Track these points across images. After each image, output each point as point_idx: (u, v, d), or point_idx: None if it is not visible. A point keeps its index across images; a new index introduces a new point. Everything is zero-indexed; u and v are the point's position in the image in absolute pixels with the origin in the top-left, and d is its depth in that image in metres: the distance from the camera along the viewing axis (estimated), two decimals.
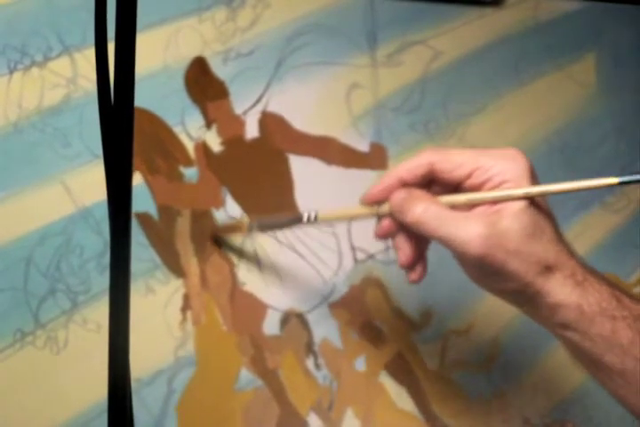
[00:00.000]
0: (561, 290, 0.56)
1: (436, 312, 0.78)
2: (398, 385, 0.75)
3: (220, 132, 0.70)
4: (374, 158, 0.79)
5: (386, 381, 0.75)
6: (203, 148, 0.69)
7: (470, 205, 0.58)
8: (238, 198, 0.70)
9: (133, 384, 0.61)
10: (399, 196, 0.59)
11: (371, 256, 0.76)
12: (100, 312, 0.62)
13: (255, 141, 0.72)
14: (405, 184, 0.60)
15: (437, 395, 0.77)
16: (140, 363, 0.63)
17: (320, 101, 0.77)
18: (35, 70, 0.62)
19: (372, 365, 0.74)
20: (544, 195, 0.57)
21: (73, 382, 0.61)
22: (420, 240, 0.61)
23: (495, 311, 0.80)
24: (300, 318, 0.72)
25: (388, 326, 0.76)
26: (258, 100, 0.73)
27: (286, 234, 0.72)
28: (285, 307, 0.71)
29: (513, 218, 0.56)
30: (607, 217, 0.95)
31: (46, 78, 0.62)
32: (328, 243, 0.74)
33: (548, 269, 0.56)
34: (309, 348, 0.71)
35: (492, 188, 0.57)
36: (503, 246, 0.56)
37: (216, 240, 0.68)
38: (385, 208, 0.61)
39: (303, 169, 0.74)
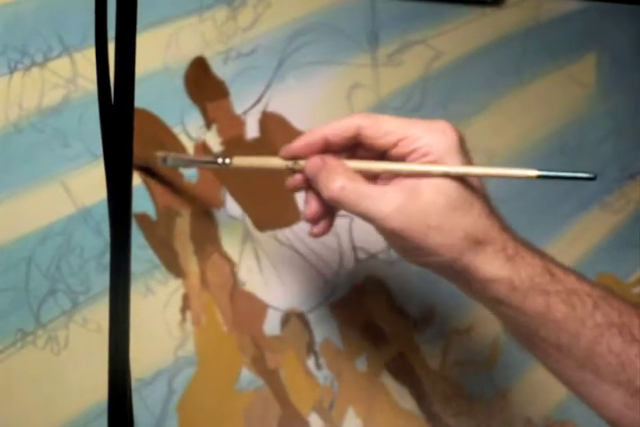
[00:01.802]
0: (491, 265, 0.56)
1: (437, 312, 0.78)
2: (400, 385, 0.75)
3: (219, 133, 0.70)
4: None
5: (387, 380, 0.75)
6: (202, 148, 0.69)
7: (391, 176, 0.57)
8: (238, 199, 0.70)
9: (134, 384, 0.61)
10: (314, 163, 0.58)
11: (372, 256, 0.76)
12: (100, 312, 0.62)
13: (255, 141, 0.72)
14: (329, 144, 0.59)
15: (439, 395, 0.77)
16: (140, 363, 0.63)
17: (321, 101, 0.77)
18: (35, 70, 0.62)
19: (374, 364, 0.74)
20: (462, 176, 0.56)
21: (73, 381, 0.61)
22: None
23: None
24: (301, 317, 0.72)
25: (390, 326, 0.76)
26: (258, 100, 0.73)
27: (287, 234, 0.72)
28: (286, 307, 0.71)
29: (435, 192, 0.55)
30: (607, 217, 0.95)
31: (46, 78, 0.62)
32: (329, 242, 0.74)
33: (476, 243, 0.55)
34: (310, 348, 0.71)
35: (416, 159, 0.56)
36: (423, 220, 0.55)
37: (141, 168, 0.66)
38: (300, 165, 0.59)
39: None
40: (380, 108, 0.81)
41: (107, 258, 0.62)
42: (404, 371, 0.76)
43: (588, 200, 0.93)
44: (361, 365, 0.74)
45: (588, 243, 0.91)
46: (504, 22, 0.91)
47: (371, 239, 0.75)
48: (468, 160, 0.58)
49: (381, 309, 0.76)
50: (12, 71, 0.61)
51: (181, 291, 0.66)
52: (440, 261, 0.56)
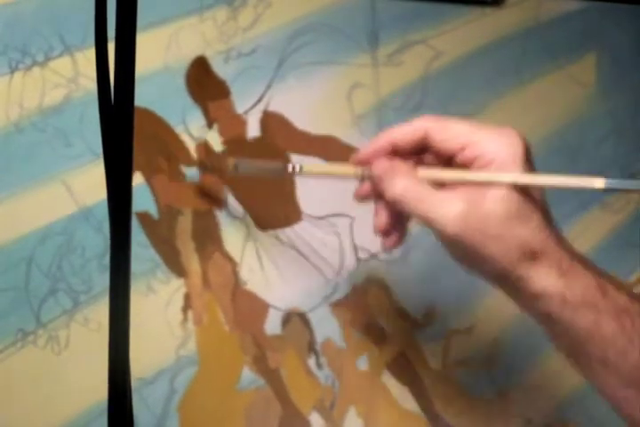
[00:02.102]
0: (545, 278, 0.56)
1: (438, 312, 0.78)
2: (401, 384, 0.75)
3: (221, 132, 0.70)
4: None
5: (388, 380, 0.75)
6: (204, 147, 0.69)
7: (456, 184, 0.57)
8: (240, 198, 0.70)
9: (135, 383, 0.61)
10: (381, 166, 0.58)
11: (373, 255, 0.76)
12: (101, 312, 0.62)
13: (256, 141, 0.72)
14: (398, 148, 0.59)
15: (440, 394, 0.77)
16: (141, 363, 0.62)
17: (321, 101, 0.77)
18: (36, 70, 0.62)
19: (375, 364, 0.74)
20: (531, 185, 0.56)
21: (74, 381, 0.61)
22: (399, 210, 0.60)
23: (498, 311, 0.80)
24: (302, 317, 0.72)
25: (391, 326, 0.76)
26: (259, 100, 0.73)
27: (288, 233, 0.72)
28: (287, 306, 0.71)
29: (497, 201, 0.55)
30: (607, 217, 0.95)
31: (47, 78, 0.62)
32: (330, 242, 0.74)
33: (532, 255, 0.55)
34: (311, 347, 0.71)
35: (483, 165, 0.56)
36: (482, 229, 0.55)
37: (203, 168, 0.67)
38: (370, 172, 0.59)
39: None
40: (381, 107, 0.80)
41: (108, 257, 0.62)
42: (405, 371, 0.76)
43: (589, 200, 0.93)
44: (362, 364, 0.74)
45: (588, 243, 0.91)
46: (504, 22, 0.90)
47: (371, 239, 0.75)
48: (531, 170, 0.57)
49: (382, 308, 0.76)
50: (12, 71, 0.61)
51: (183, 290, 0.66)
52: (494, 271, 0.56)
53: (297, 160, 0.73)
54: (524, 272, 0.55)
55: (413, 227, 0.76)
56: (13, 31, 0.61)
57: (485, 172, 0.56)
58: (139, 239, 0.64)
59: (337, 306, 0.74)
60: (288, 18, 0.76)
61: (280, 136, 0.73)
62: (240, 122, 0.71)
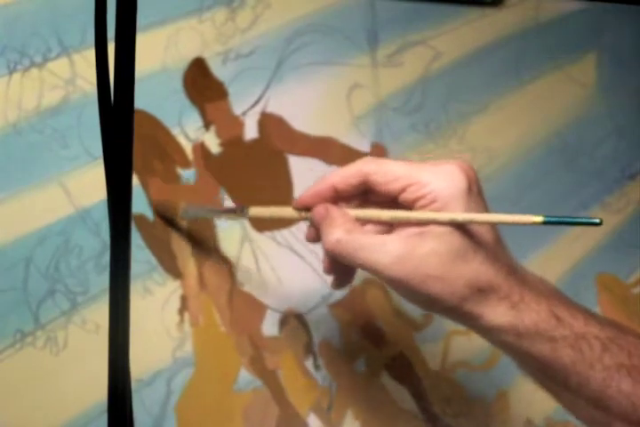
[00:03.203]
0: (494, 313, 0.55)
1: None
2: (399, 386, 0.75)
3: (218, 133, 0.70)
4: None
5: (386, 381, 0.75)
6: (201, 149, 0.69)
7: (396, 223, 0.56)
8: (236, 200, 0.70)
9: (132, 385, 0.61)
10: (318, 213, 0.57)
11: None
12: (98, 313, 0.62)
13: (254, 142, 0.72)
14: (339, 192, 0.58)
15: (438, 395, 0.77)
16: (138, 364, 0.62)
17: (320, 102, 0.77)
18: (34, 71, 0.62)
19: (373, 365, 0.74)
20: (469, 223, 0.55)
21: (72, 382, 0.61)
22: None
23: None
24: (300, 318, 0.72)
25: (389, 327, 0.76)
26: (257, 101, 0.73)
27: (285, 235, 0.72)
28: (284, 308, 0.71)
29: (437, 241, 0.54)
30: (607, 217, 0.95)
31: (45, 79, 0.62)
32: None
33: (479, 291, 0.54)
34: (309, 348, 0.71)
35: (425, 205, 0.55)
36: (422, 270, 0.54)
37: (159, 214, 0.67)
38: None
39: (303, 170, 0.74)
40: (380, 108, 0.81)
41: (105, 259, 0.62)
42: (404, 372, 0.76)
43: (589, 200, 0.93)
44: (360, 365, 0.74)
45: (588, 243, 0.91)
46: (504, 23, 0.91)
47: None
48: (477, 204, 0.56)
49: (380, 309, 0.76)
50: (11, 72, 0.61)
51: (179, 292, 0.66)
52: (441, 310, 0.55)
53: (296, 162, 0.74)
54: (472, 309, 0.55)
55: None
56: (11, 32, 0.61)
57: (422, 211, 0.55)
58: (135, 241, 0.64)
59: (335, 307, 0.74)
60: (287, 19, 0.76)
61: (278, 138, 0.73)
62: (238, 123, 0.71)
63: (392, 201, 0.57)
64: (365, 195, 0.58)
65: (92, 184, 0.62)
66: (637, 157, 0.99)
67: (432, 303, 0.55)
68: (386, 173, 0.56)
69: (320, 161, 0.75)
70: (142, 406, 0.63)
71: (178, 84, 0.69)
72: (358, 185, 0.57)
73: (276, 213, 0.62)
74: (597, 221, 0.51)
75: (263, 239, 0.71)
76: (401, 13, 0.83)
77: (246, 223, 0.70)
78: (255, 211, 0.62)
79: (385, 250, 0.54)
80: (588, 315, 0.56)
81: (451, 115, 0.85)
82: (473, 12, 0.88)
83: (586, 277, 0.91)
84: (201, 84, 0.70)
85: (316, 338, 0.72)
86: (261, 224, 0.71)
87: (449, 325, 0.79)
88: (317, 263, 0.73)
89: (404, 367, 0.76)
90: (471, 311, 0.55)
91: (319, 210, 0.57)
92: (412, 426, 0.75)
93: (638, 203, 0.98)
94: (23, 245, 0.60)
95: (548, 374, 0.56)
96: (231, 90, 0.71)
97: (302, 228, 0.72)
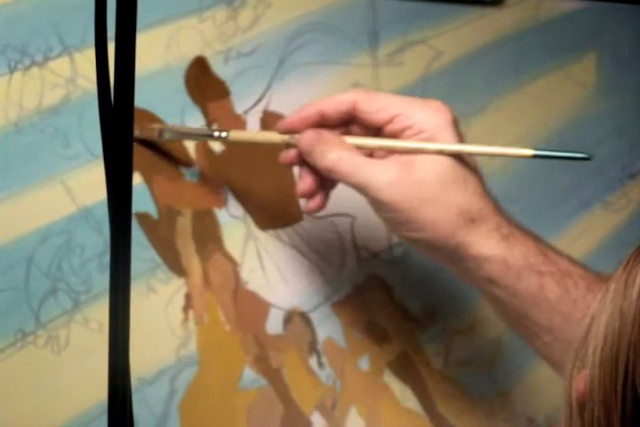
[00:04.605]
0: (485, 243, 0.56)
1: (439, 311, 0.78)
2: (402, 384, 0.75)
3: None
4: None
5: (390, 380, 0.75)
6: (203, 147, 0.69)
7: (387, 152, 0.57)
8: (240, 198, 0.70)
9: (136, 383, 0.61)
10: (309, 137, 0.58)
11: (374, 255, 0.76)
12: (101, 312, 0.62)
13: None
14: (325, 119, 0.59)
15: (441, 394, 0.77)
16: (142, 362, 0.62)
17: None
18: (35, 70, 0.62)
19: (376, 364, 0.74)
20: (457, 154, 0.57)
21: (74, 381, 0.61)
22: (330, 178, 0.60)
23: None
24: (303, 316, 0.72)
25: (392, 325, 0.76)
26: (259, 100, 0.73)
27: (289, 233, 0.72)
28: (288, 306, 0.71)
29: (429, 167, 0.56)
30: (607, 217, 0.95)
31: (46, 78, 0.62)
32: (331, 242, 0.74)
33: (470, 220, 0.56)
34: (313, 347, 0.71)
35: (411, 136, 0.57)
36: (416, 194, 0.55)
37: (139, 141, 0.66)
38: (296, 140, 0.60)
39: None
40: None
41: (108, 257, 0.62)
42: (407, 370, 0.76)
43: (590, 200, 0.93)
44: (363, 364, 0.74)
45: (589, 242, 0.91)
46: (504, 22, 0.91)
47: (373, 239, 0.75)
48: (461, 139, 0.58)
49: (383, 308, 0.76)
50: (11, 71, 0.61)
51: (184, 290, 0.66)
52: (432, 238, 0.56)
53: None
54: (463, 238, 0.56)
55: None
56: (12, 31, 0.61)
57: (412, 141, 0.56)
58: (138, 240, 0.64)
59: (338, 306, 0.74)
60: (288, 18, 0.76)
61: None
62: (240, 122, 0.71)
63: (375, 133, 0.59)
64: (348, 126, 0.60)
65: (93, 183, 0.62)
66: (637, 157, 0.99)
67: (422, 230, 0.56)
68: (375, 101, 0.59)
69: None
70: (146, 405, 0.63)
71: (180, 82, 0.69)
72: (346, 112, 0.59)
73: (257, 138, 0.62)
74: (586, 155, 0.53)
75: (267, 238, 0.71)
76: (401, 13, 0.83)
77: (251, 222, 0.70)
78: (236, 134, 0.62)
79: (382, 172, 0.56)
80: (573, 258, 0.58)
81: None
82: (473, 12, 0.89)
83: None
84: (203, 82, 0.70)
85: (320, 336, 0.72)
86: (266, 223, 0.71)
87: (451, 324, 0.79)
88: (321, 262, 0.73)
89: (407, 366, 0.76)
90: (462, 241, 0.56)
91: (310, 133, 0.59)
92: (414, 424, 0.75)
93: (638, 203, 0.98)
94: (24, 244, 0.60)
95: (531, 315, 0.56)
96: (233, 89, 0.71)
97: (306, 226, 0.72)
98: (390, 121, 0.58)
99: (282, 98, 0.74)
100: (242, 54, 0.72)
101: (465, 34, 0.88)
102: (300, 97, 0.75)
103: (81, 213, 0.62)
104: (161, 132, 0.65)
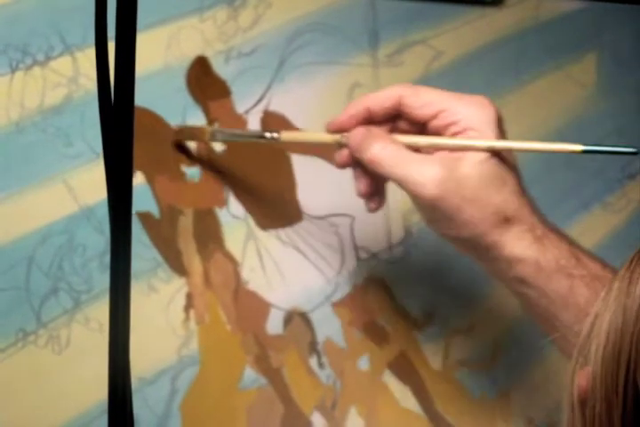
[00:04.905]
0: (518, 243, 0.56)
1: (439, 311, 0.78)
2: (402, 384, 0.75)
3: None
4: None
5: (389, 380, 0.75)
6: (205, 148, 0.69)
7: (432, 149, 0.58)
8: (240, 197, 0.70)
9: (137, 383, 0.61)
10: (358, 133, 0.59)
11: (374, 255, 0.76)
12: (102, 311, 0.61)
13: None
14: (372, 115, 0.59)
15: (441, 394, 0.77)
16: (143, 362, 0.62)
17: (322, 101, 0.77)
18: (36, 69, 0.62)
19: (376, 364, 0.74)
20: (507, 150, 0.57)
21: (75, 381, 0.61)
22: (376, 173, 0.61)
23: (498, 310, 0.80)
24: (303, 317, 0.72)
25: (392, 326, 0.76)
26: (260, 100, 0.73)
27: (289, 233, 0.72)
28: (288, 306, 0.71)
29: (473, 166, 0.56)
30: (607, 217, 0.95)
31: (48, 77, 0.62)
32: (331, 242, 0.74)
33: (506, 220, 0.56)
34: (313, 347, 0.71)
35: (456, 132, 0.57)
36: (459, 192, 0.55)
37: (178, 146, 0.67)
38: (347, 139, 0.60)
39: (305, 168, 0.74)
40: None
41: (109, 257, 0.62)
42: (407, 370, 0.76)
43: (589, 200, 0.93)
44: (363, 364, 0.74)
45: (588, 243, 0.91)
46: (504, 22, 0.91)
47: (372, 239, 0.75)
48: (504, 136, 0.58)
49: (383, 308, 0.76)
50: (13, 70, 0.61)
51: (185, 289, 0.66)
52: (468, 235, 0.56)
53: (299, 160, 0.73)
54: (498, 237, 0.56)
55: (414, 227, 0.77)
56: (14, 30, 0.61)
57: (460, 138, 0.57)
58: (140, 239, 0.64)
59: (338, 306, 0.74)
60: (288, 18, 0.76)
61: None
62: (240, 122, 0.72)
63: (420, 128, 0.59)
64: (394, 122, 0.60)
65: (95, 182, 0.62)
66: (637, 157, 0.99)
67: (459, 228, 0.56)
68: (421, 96, 0.59)
69: (322, 159, 0.75)
70: (147, 405, 0.63)
71: (181, 82, 0.69)
72: (392, 107, 0.59)
73: (309, 138, 0.62)
74: (635, 150, 0.53)
75: (268, 238, 0.71)
76: (401, 13, 0.83)
77: (251, 222, 0.70)
78: (287, 135, 0.62)
79: (426, 168, 0.56)
80: (604, 261, 0.58)
81: None
82: (473, 12, 0.89)
83: None
84: (204, 82, 0.70)
85: (320, 337, 0.72)
86: (266, 222, 0.71)
87: (451, 324, 0.79)
88: (321, 262, 0.73)
89: (406, 366, 0.76)
90: (496, 241, 0.56)
91: (360, 130, 0.59)
92: (414, 425, 0.75)
93: (638, 203, 0.98)
94: (26, 243, 0.60)
95: (560, 317, 0.56)
96: (234, 88, 0.71)
97: (306, 226, 0.72)
98: (435, 116, 0.58)
99: (282, 98, 0.74)
100: (242, 54, 0.73)
101: (465, 34, 0.88)
102: (300, 97, 0.75)
103: (83, 212, 0.62)
104: (213, 134, 0.66)
